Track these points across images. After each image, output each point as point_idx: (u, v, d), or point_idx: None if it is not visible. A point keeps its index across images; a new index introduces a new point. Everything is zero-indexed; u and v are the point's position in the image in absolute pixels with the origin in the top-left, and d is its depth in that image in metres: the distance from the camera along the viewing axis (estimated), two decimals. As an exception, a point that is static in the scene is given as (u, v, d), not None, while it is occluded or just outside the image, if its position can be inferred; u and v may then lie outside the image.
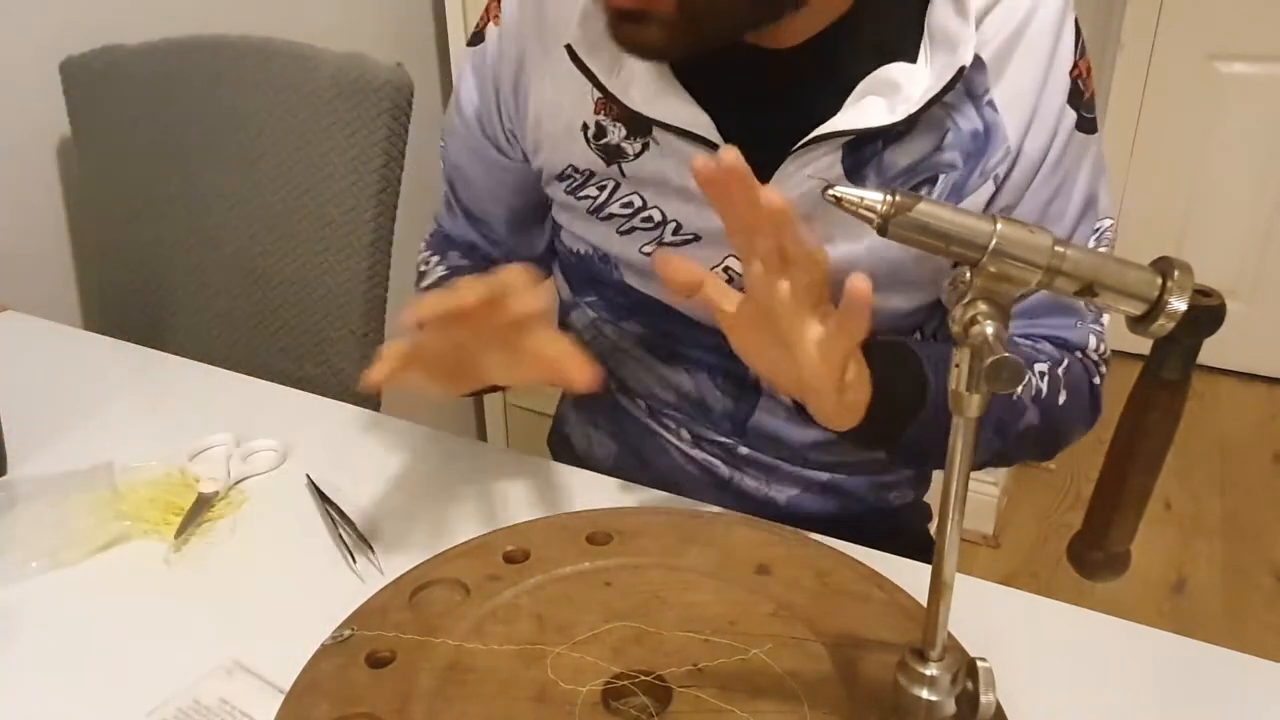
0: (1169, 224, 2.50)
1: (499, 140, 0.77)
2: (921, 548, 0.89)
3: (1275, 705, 0.49)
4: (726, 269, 0.70)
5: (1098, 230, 0.71)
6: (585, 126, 0.69)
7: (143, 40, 1.17)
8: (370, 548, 0.60)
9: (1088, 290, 0.37)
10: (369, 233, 1.06)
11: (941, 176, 0.64)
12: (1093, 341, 0.72)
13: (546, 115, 0.72)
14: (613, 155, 0.70)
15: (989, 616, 0.52)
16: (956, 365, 0.37)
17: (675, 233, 0.70)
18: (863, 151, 0.64)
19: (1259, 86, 2.32)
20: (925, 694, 0.41)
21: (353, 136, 1.04)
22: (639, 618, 0.49)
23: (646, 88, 0.66)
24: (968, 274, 0.37)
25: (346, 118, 1.04)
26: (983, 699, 0.40)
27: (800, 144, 0.63)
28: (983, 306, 0.36)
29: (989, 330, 0.36)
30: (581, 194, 0.73)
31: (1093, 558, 0.43)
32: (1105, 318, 0.74)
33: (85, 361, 0.90)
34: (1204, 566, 1.85)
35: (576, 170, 0.72)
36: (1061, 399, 0.67)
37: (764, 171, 0.64)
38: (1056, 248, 0.36)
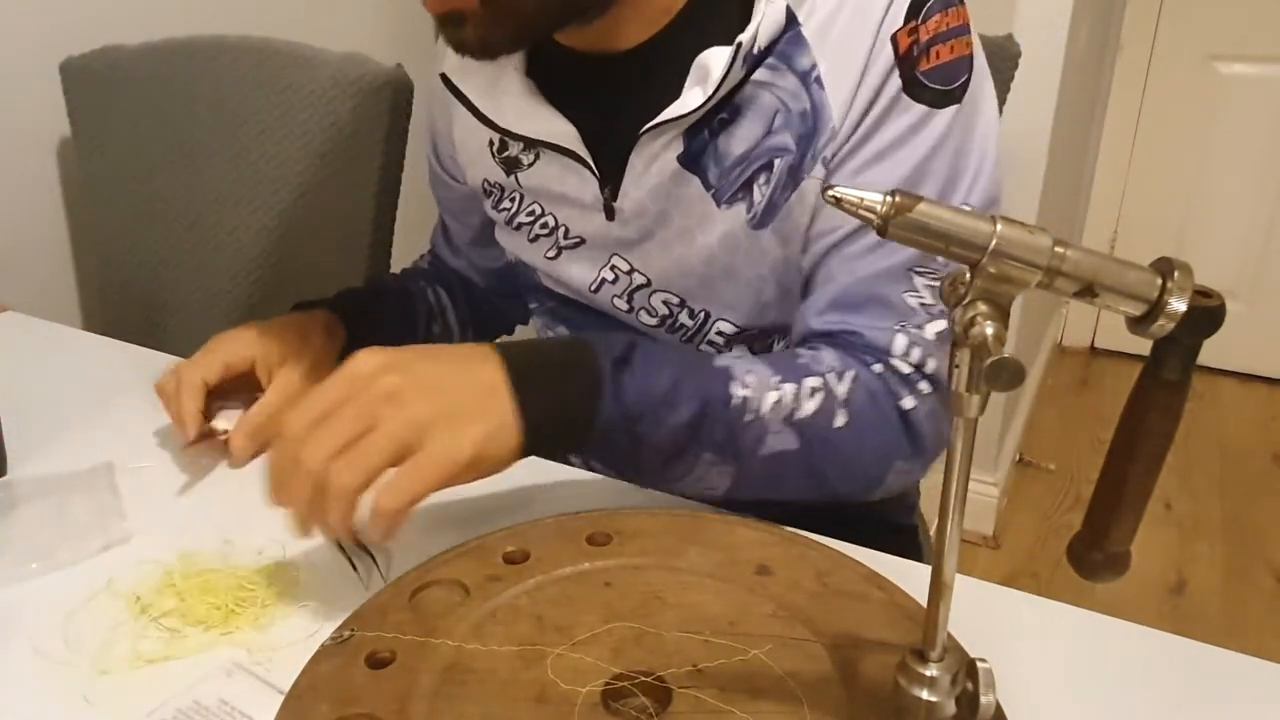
0: (1169, 224, 2.50)
1: (445, 165, 0.85)
2: (903, 535, 0.88)
3: (1275, 706, 0.49)
4: (613, 268, 0.73)
5: None
6: (491, 143, 0.74)
7: (143, 41, 1.17)
8: (369, 551, 0.60)
9: (1088, 291, 0.37)
10: (369, 233, 1.06)
11: (777, 161, 0.64)
12: (899, 345, 0.63)
13: (466, 137, 0.78)
14: (511, 166, 0.74)
15: (989, 617, 0.52)
16: (956, 366, 0.37)
17: (566, 236, 0.74)
18: (695, 142, 0.65)
19: (1259, 87, 2.33)
20: (925, 695, 0.41)
21: (353, 137, 1.05)
22: (639, 618, 0.49)
23: (515, 106, 0.70)
24: (967, 275, 0.37)
25: (346, 118, 1.04)
26: (982, 699, 0.40)
27: (640, 135, 0.65)
28: (982, 307, 0.36)
29: (989, 331, 0.35)
30: (500, 207, 0.78)
31: (1093, 558, 0.43)
32: (934, 328, 0.63)
33: (85, 361, 0.90)
34: (1204, 567, 1.85)
35: (490, 184, 0.77)
36: (838, 421, 0.61)
37: (621, 169, 0.68)
38: (1056, 248, 0.36)
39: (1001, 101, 0.88)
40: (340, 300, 0.82)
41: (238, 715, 0.48)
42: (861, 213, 0.36)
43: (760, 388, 0.60)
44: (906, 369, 0.63)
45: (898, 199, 0.36)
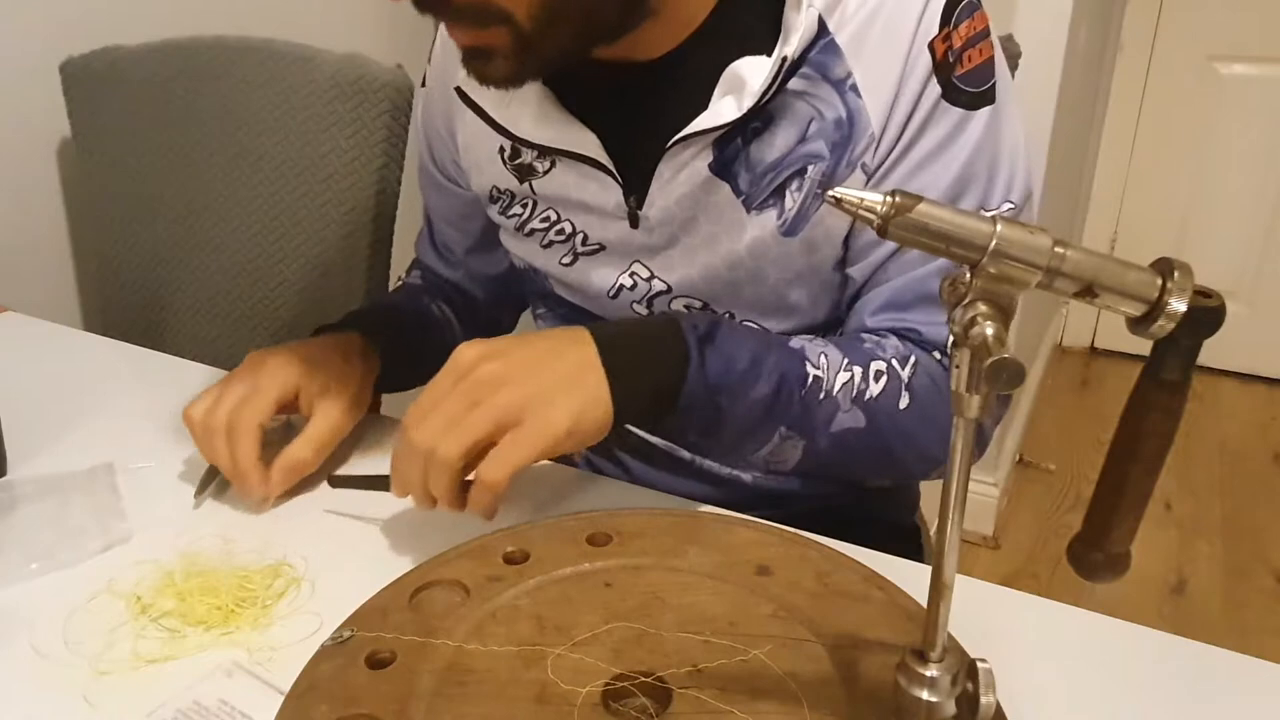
0: (1169, 224, 2.50)
1: (446, 170, 0.83)
2: (904, 536, 0.88)
3: (1275, 707, 0.49)
4: (634, 275, 0.72)
5: (990, 213, 0.66)
6: (502, 149, 0.73)
7: (143, 41, 1.17)
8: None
9: (1088, 291, 0.37)
10: (369, 234, 1.06)
11: (810, 167, 0.65)
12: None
13: (472, 143, 0.77)
14: (525, 174, 0.73)
15: (989, 617, 0.52)
16: (956, 366, 0.37)
17: (584, 243, 0.74)
18: (727, 150, 0.65)
19: (1259, 88, 2.33)
20: (925, 695, 0.41)
21: (353, 138, 1.05)
22: (639, 619, 0.49)
23: (535, 117, 0.69)
24: (967, 275, 0.37)
25: (346, 119, 1.04)
26: (983, 700, 0.40)
27: (668, 147, 0.65)
28: (982, 307, 0.36)
29: (989, 331, 0.35)
30: (510, 213, 0.77)
31: (1093, 559, 0.43)
32: None
33: (85, 361, 0.90)
34: (1204, 568, 1.85)
35: (500, 191, 0.76)
36: (903, 403, 0.64)
37: (646, 177, 0.68)
38: (1056, 249, 0.36)
39: (1002, 102, 0.89)
40: (366, 320, 0.79)
41: (238, 715, 0.48)
42: (861, 214, 0.36)
43: (832, 368, 0.63)
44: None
45: (898, 199, 0.36)
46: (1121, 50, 2.44)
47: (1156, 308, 0.37)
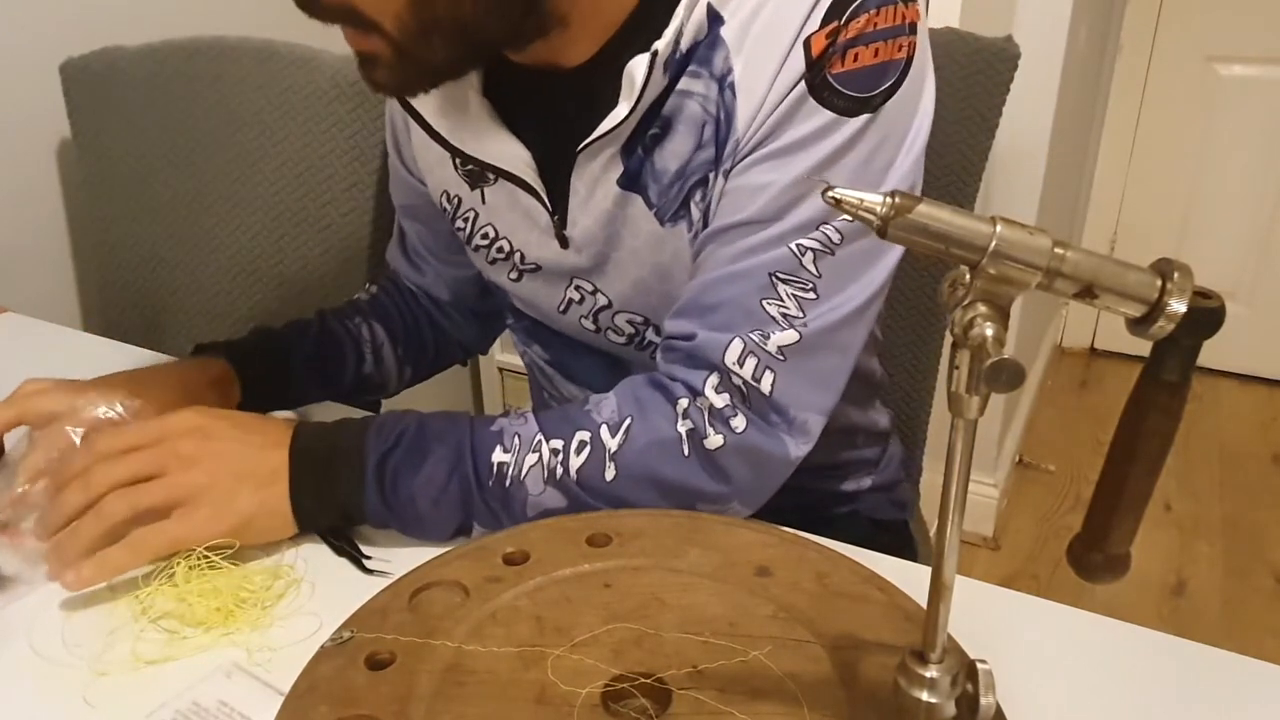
0: (1169, 225, 2.50)
1: (410, 167, 0.80)
2: (891, 528, 0.88)
3: (1275, 708, 0.49)
4: (578, 289, 0.70)
5: (815, 225, 0.58)
6: (454, 155, 0.71)
7: (143, 42, 1.18)
8: (359, 555, 0.60)
9: (1087, 292, 0.37)
10: (368, 235, 1.06)
11: (710, 176, 0.61)
12: (732, 353, 0.59)
13: (423, 145, 0.74)
14: (476, 180, 0.71)
15: (989, 618, 0.52)
16: (956, 367, 0.37)
17: (523, 261, 0.72)
18: (631, 160, 0.63)
19: (1258, 89, 2.33)
20: (925, 696, 0.41)
21: (353, 138, 1.05)
22: (639, 620, 0.49)
23: (472, 126, 0.67)
24: (967, 276, 0.37)
25: (346, 120, 1.05)
26: (982, 701, 0.40)
27: (577, 153, 0.63)
28: (982, 308, 0.36)
29: (988, 332, 0.35)
30: (456, 224, 0.75)
31: (1092, 560, 0.43)
32: (781, 339, 0.59)
33: (85, 362, 0.90)
34: (1204, 569, 1.85)
35: (450, 197, 0.74)
36: (609, 474, 0.59)
37: (566, 193, 0.66)
38: (1056, 249, 0.36)
39: (1001, 102, 0.88)
40: (245, 346, 0.76)
41: (237, 716, 0.48)
42: (861, 214, 0.36)
43: (522, 450, 0.61)
44: (721, 402, 0.59)
45: (898, 200, 0.36)
46: (1121, 50, 2.44)
47: (1156, 309, 0.37)
